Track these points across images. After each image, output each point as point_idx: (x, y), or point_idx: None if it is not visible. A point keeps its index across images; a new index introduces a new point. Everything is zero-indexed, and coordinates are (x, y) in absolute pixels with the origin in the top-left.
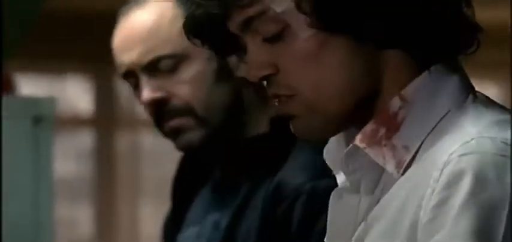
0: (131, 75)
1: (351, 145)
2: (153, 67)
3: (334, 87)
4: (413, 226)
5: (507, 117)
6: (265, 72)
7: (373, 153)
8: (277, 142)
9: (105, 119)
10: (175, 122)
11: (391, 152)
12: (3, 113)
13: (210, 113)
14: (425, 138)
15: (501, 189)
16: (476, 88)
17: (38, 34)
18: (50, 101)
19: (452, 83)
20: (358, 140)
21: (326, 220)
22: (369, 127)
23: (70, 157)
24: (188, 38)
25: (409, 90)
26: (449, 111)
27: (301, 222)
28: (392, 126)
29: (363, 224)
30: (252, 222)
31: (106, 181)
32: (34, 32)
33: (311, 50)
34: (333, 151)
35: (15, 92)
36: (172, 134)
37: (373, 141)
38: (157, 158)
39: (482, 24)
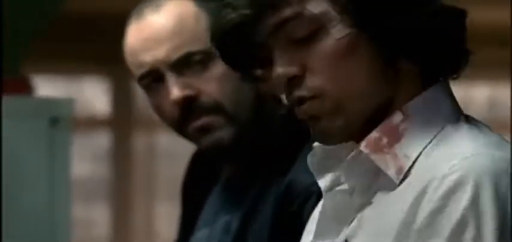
0: (153, 75)
1: (355, 150)
2: (182, 65)
3: (360, 88)
4: (406, 227)
5: (499, 138)
6: (294, 72)
7: (376, 159)
8: (287, 142)
9: (122, 120)
10: (203, 120)
11: (392, 160)
12: (21, 114)
13: (238, 110)
14: (423, 149)
15: (497, 204)
16: (478, 87)
17: (55, 35)
18: (67, 102)
19: (446, 103)
20: (363, 146)
21: None
22: (373, 135)
23: (87, 158)
24: (213, 46)
25: (411, 106)
26: (443, 127)
27: None
28: (394, 136)
29: (354, 222)
30: (263, 223)
31: (122, 181)
32: (51, 33)
33: (343, 50)
34: (317, 158)
35: (32, 93)
36: (199, 133)
37: (377, 148)
38: (174, 159)
39: (483, 24)
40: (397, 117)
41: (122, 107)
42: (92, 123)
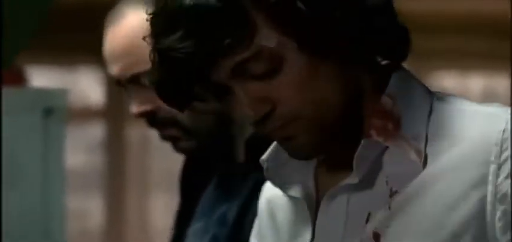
0: (121, 84)
1: (364, 140)
2: (135, 83)
3: (332, 103)
4: (479, 204)
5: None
6: (265, 110)
7: (394, 145)
8: None
9: (116, 111)
10: (166, 132)
11: (406, 143)
12: (15, 105)
13: (195, 124)
14: (427, 128)
15: None
16: (479, 79)
17: (49, 26)
18: (61, 93)
19: (417, 82)
20: (374, 135)
21: None
22: (376, 123)
23: (81, 149)
24: (160, 96)
25: (392, 89)
26: (431, 104)
27: None
28: (394, 120)
29: (382, 212)
30: None
31: (116, 172)
32: (45, 24)
33: (308, 75)
34: (284, 172)
35: (26, 84)
36: (167, 141)
37: (388, 134)
38: (168, 150)
39: (481, 15)
40: (387, 103)
41: (116, 98)
42: (86, 114)
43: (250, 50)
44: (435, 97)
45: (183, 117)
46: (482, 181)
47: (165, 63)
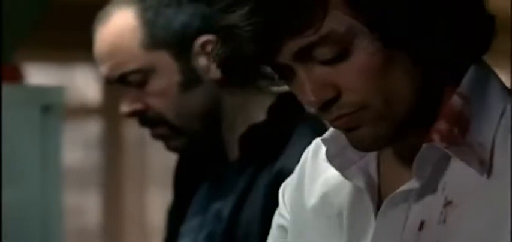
0: (111, 83)
1: (425, 144)
2: (122, 82)
3: (402, 96)
4: None
5: None
6: (329, 96)
7: (456, 153)
8: (276, 129)
9: (113, 108)
10: (154, 131)
11: (470, 151)
12: (13, 102)
13: (184, 122)
14: (495, 134)
15: None
16: None
17: (46, 23)
18: (59, 90)
19: (495, 79)
20: (437, 140)
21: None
22: (442, 126)
23: (78, 146)
24: (223, 73)
25: (464, 87)
26: (505, 106)
27: None
28: (462, 124)
29: (435, 223)
30: (254, 209)
31: (113, 169)
32: (43, 21)
33: (378, 64)
34: (345, 156)
35: (23, 81)
36: (158, 139)
37: (452, 140)
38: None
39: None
40: (457, 102)
41: (113, 95)
42: (83, 111)
43: (319, 33)
44: (510, 98)
45: (171, 116)
46: None
47: (229, 40)
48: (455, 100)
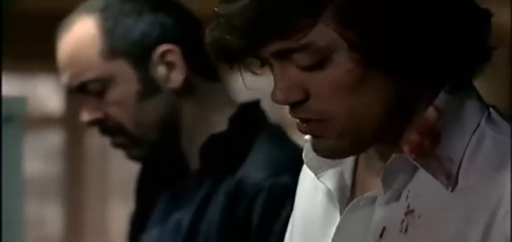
0: (72, 92)
1: (395, 155)
2: (81, 91)
3: (370, 114)
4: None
5: None
6: (296, 98)
7: (423, 164)
8: (236, 140)
9: (75, 118)
10: (115, 140)
11: (438, 164)
12: None
13: (142, 132)
14: (465, 150)
15: None
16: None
17: (7, 33)
18: (20, 101)
19: (473, 94)
20: (407, 151)
21: (286, 215)
22: (413, 138)
23: (39, 157)
24: (215, 57)
25: (441, 101)
26: (479, 123)
27: (262, 217)
28: (434, 137)
29: (397, 234)
30: (213, 219)
31: (75, 180)
32: (3, 31)
33: (352, 81)
34: (322, 159)
35: None
36: (118, 148)
37: (422, 153)
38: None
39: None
40: (432, 115)
41: (75, 105)
42: (44, 121)
43: (300, 42)
44: (485, 115)
45: (129, 125)
46: (490, 223)
47: (221, 27)
48: (430, 112)
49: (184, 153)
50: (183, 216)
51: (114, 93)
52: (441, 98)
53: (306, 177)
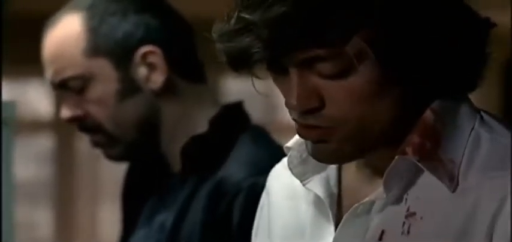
0: (55, 89)
1: (398, 157)
2: (63, 88)
3: (379, 120)
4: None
5: None
6: (314, 105)
7: (428, 167)
8: (217, 140)
9: (65, 122)
10: (93, 138)
11: (441, 166)
12: None
13: (120, 131)
14: (463, 151)
15: None
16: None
17: None
18: (10, 105)
19: (466, 102)
20: (410, 153)
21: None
22: (415, 140)
23: (30, 160)
24: (231, 63)
25: (437, 104)
26: (473, 127)
27: (242, 216)
28: (434, 139)
29: (398, 236)
30: (195, 219)
31: (65, 184)
32: None
33: (372, 90)
34: (307, 165)
35: None
36: (97, 147)
37: (425, 154)
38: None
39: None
40: (429, 116)
41: None
42: (35, 125)
43: (326, 50)
44: (478, 118)
45: (108, 124)
46: (491, 223)
47: (243, 34)
48: (428, 115)
49: (165, 154)
50: (167, 216)
51: (94, 92)
52: (437, 102)
53: (276, 188)
